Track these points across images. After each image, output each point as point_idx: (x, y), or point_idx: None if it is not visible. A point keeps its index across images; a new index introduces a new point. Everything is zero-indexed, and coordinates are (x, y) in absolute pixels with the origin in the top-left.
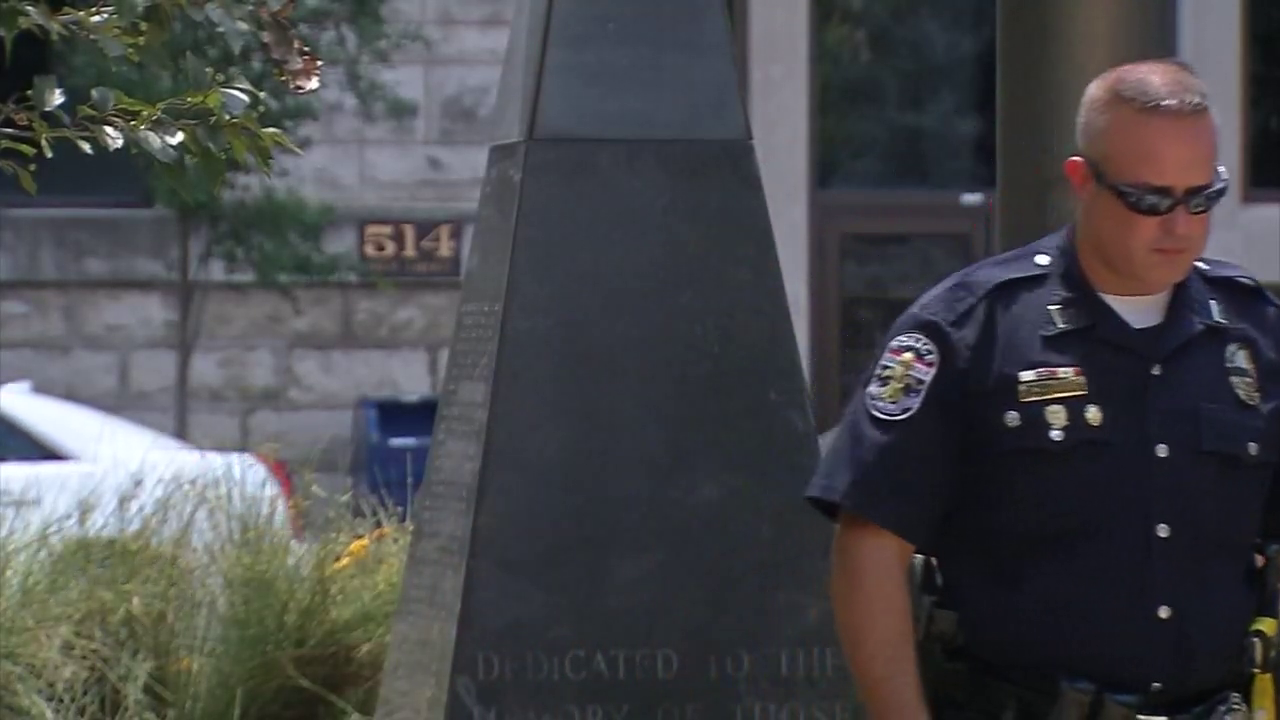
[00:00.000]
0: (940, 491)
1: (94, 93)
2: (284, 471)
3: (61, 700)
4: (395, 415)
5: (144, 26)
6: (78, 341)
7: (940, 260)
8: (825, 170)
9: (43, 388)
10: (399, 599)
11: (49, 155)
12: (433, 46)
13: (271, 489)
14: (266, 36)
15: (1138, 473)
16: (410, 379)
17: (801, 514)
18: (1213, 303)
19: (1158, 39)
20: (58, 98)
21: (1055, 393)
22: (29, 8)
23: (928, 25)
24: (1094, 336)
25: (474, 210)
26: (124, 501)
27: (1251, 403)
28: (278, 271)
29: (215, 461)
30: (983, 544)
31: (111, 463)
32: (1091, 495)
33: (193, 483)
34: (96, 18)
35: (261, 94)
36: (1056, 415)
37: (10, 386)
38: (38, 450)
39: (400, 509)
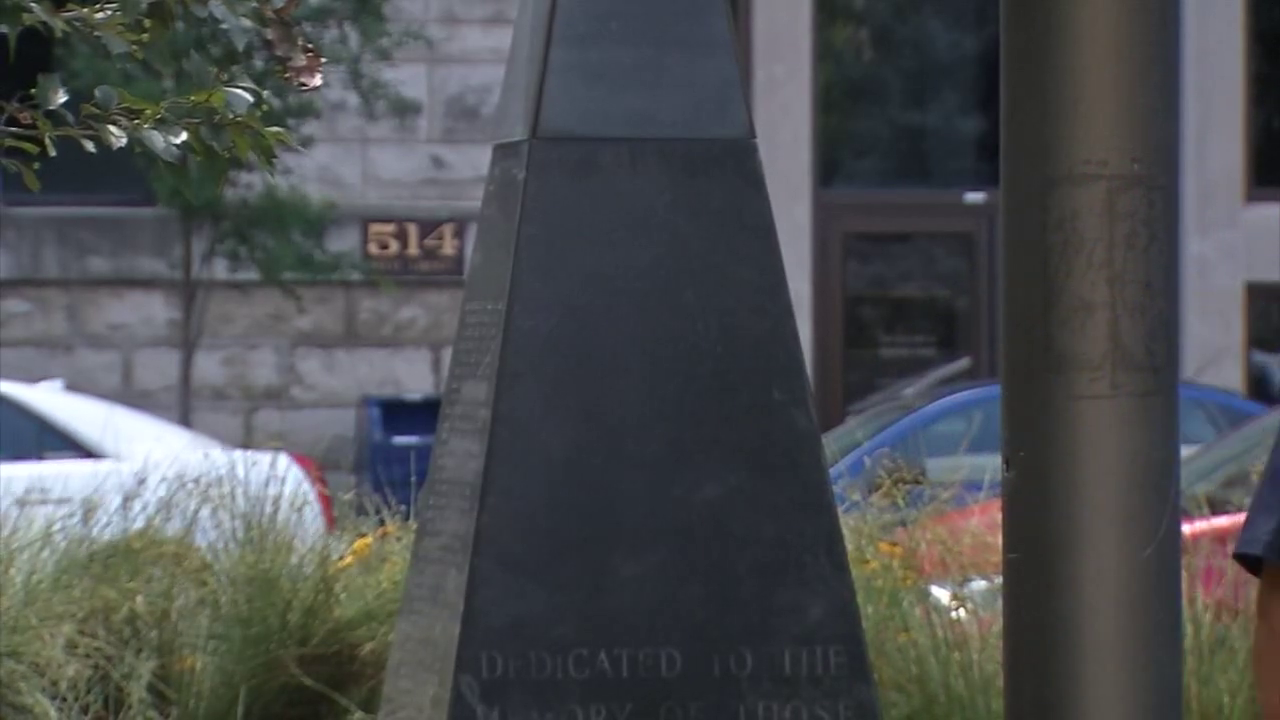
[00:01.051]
0: None
1: (97, 91)
2: (315, 469)
3: (65, 699)
4: (398, 414)
5: (147, 23)
6: (80, 340)
7: (943, 259)
8: (828, 169)
9: None
10: (402, 597)
11: (52, 154)
12: (435, 45)
13: (275, 488)
14: (270, 33)
15: None
16: (413, 377)
17: (804, 512)
18: None
19: (1161, 37)
20: (61, 96)
21: None
22: (32, 4)
23: (930, 24)
24: None
25: (477, 209)
26: (128, 500)
27: None
28: (281, 270)
29: (247, 458)
30: None
31: (146, 461)
32: None
33: (196, 481)
34: (100, 14)
35: (264, 92)
36: None
37: (44, 385)
38: (72, 448)
39: (403, 507)
